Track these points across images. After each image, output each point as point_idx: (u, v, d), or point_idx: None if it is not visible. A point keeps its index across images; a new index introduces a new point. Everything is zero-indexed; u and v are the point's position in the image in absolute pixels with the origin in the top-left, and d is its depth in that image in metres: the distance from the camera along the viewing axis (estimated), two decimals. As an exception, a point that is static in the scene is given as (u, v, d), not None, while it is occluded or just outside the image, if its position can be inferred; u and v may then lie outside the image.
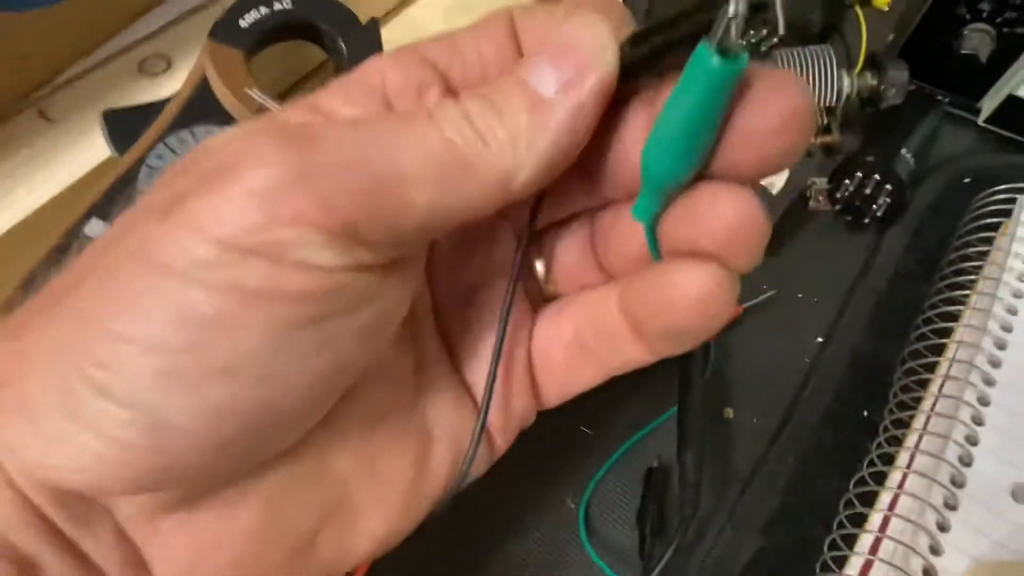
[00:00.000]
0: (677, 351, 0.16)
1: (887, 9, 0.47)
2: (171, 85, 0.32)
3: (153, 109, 0.27)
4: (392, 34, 0.39)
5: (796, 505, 0.29)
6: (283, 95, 0.36)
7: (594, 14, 0.13)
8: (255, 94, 0.29)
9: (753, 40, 0.11)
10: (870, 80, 0.38)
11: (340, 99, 0.14)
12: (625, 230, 0.16)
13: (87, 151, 0.29)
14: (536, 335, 0.18)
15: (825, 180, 0.37)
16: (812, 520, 0.28)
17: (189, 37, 0.34)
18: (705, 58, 0.11)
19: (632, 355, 0.16)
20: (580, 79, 0.13)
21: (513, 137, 0.13)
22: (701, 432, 0.22)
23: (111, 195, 0.24)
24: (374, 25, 0.34)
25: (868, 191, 0.36)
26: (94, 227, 0.24)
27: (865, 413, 0.31)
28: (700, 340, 0.15)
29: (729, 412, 0.33)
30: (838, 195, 0.37)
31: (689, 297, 0.14)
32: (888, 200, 0.36)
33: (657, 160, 0.13)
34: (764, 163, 0.13)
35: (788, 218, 0.38)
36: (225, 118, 0.28)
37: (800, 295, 0.36)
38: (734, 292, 0.14)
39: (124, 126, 0.27)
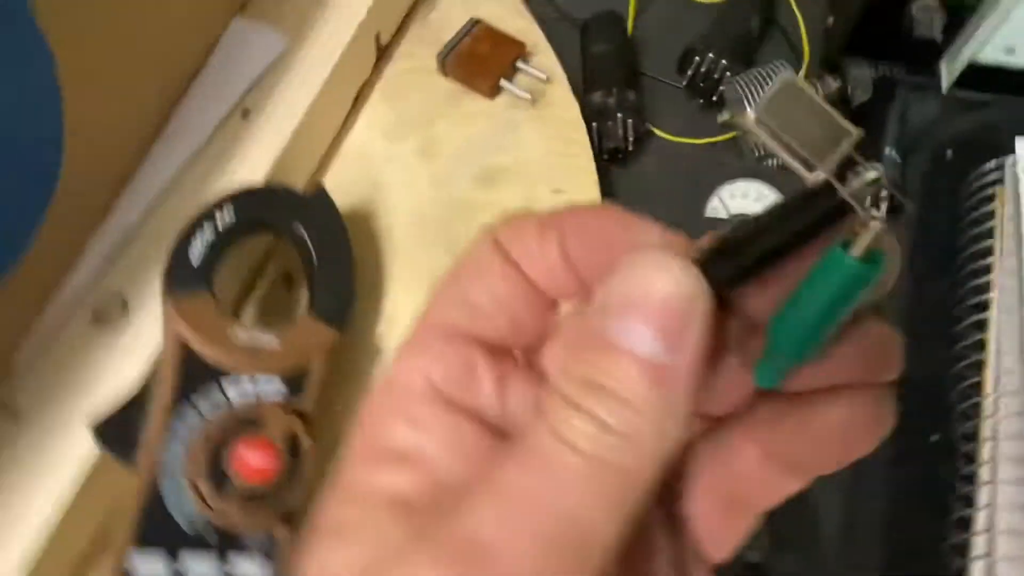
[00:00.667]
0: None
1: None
2: (135, 332, 0.29)
3: (139, 403, 0.25)
4: (339, 177, 0.37)
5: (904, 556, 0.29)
6: (246, 286, 0.33)
7: (664, 256, 0.12)
8: (240, 332, 0.26)
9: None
10: (833, 84, 0.37)
11: (401, 428, 0.13)
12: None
13: (68, 449, 0.26)
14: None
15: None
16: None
17: (133, 263, 0.30)
18: (843, 262, 0.11)
19: (789, 490, 0.15)
20: (683, 326, 0.12)
21: (653, 420, 0.12)
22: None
23: (145, 519, 0.22)
24: (321, 193, 0.31)
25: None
26: (141, 563, 0.21)
27: (935, 438, 0.31)
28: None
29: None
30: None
31: (845, 425, 0.13)
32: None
33: (791, 334, 0.12)
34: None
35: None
36: (217, 373, 0.25)
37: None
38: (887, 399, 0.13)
39: (118, 430, 0.24)
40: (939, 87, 0.38)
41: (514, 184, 0.36)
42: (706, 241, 0.13)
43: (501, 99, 0.38)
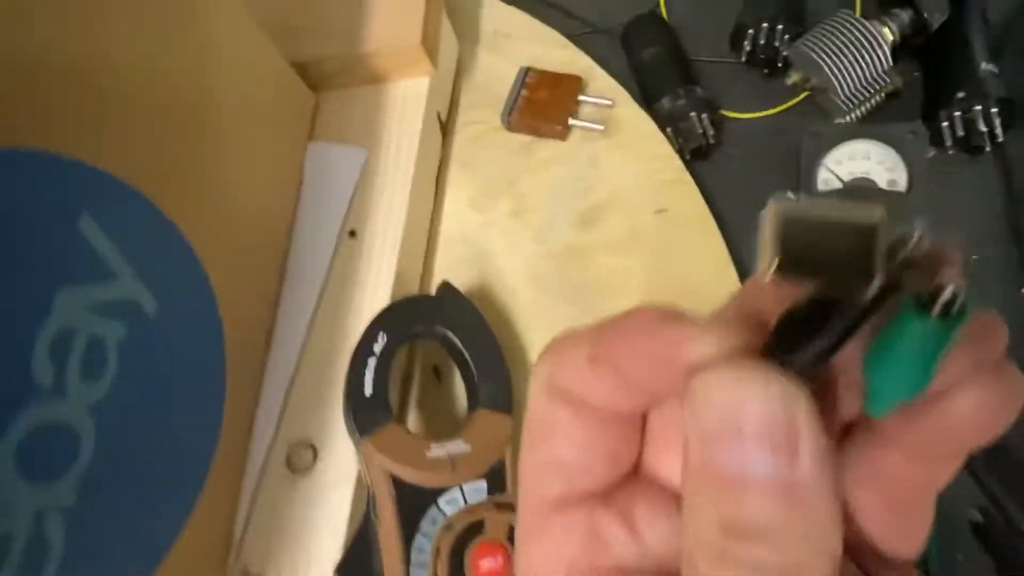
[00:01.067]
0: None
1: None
2: (328, 476, 0.30)
3: (363, 538, 0.26)
4: (447, 261, 0.37)
5: None
6: (405, 394, 0.35)
7: (726, 370, 0.11)
8: (435, 448, 0.27)
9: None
10: (905, 18, 0.35)
11: None
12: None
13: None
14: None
15: (923, 126, 0.35)
16: None
17: (305, 407, 0.32)
18: (925, 323, 0.10)
19: (947, 473, 0.14)
20: (793, 434, 0.11)
21: (804, 541, 0.11)
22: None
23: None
24: (449, 289, 0.32)
25: (978, 122, 0.33)
26: None
27: None
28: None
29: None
30: (948, 138, 0.34)
31: (976, 411, 0.12)
32: (1001, 118, 0.33)
33: (889, 389, 0.11)
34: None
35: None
36: (429, 495, 0.26)
37: (974, 256, 0.34)
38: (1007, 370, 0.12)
39: (356, 569, 0.26)
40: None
41: (615, 216, 0.36)
42: (740, 305, 0.12)
43: (574, 137, 0.38)
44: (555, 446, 0.13)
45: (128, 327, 0.23)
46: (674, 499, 0.13)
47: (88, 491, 0.21)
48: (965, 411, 0.12)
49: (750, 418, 0.11)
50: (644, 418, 0.14)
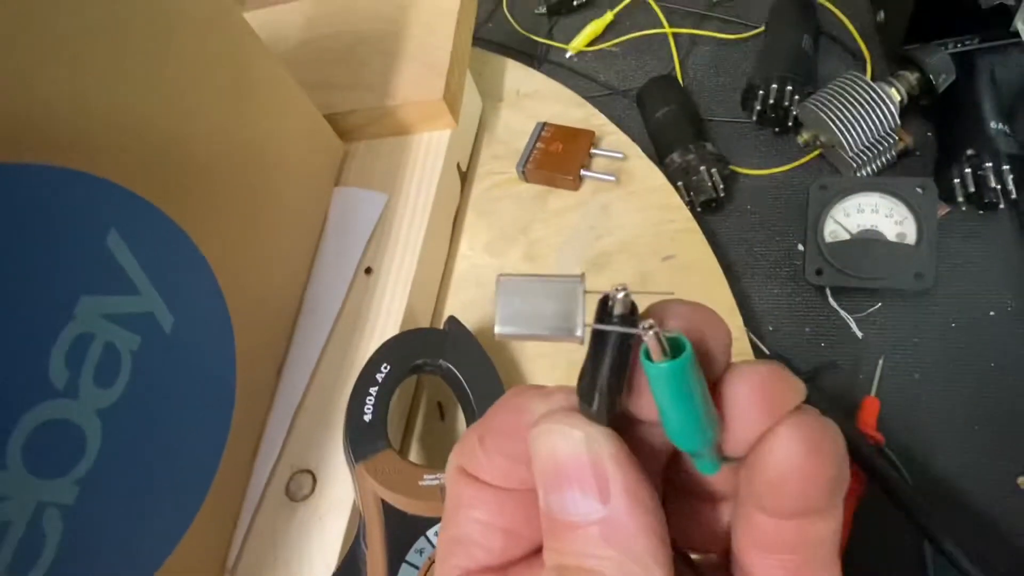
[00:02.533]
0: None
1: (847, -15, 0.46)
2: (324, 505, 0.30)
3: (351, 563, 0.26)
4: (458, 300, 0.39)
5: None
6: (407, 427, 0.35)
7: (545, 423, 0.13)
8: (428, 477, 0.27)
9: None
10: (912, 80, 0.36)
11: None
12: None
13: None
14: None
15: (932, 181, 0.35)
16: None
17: (307, 435, 0.33)
18: (653, 367, 0.12)
19: (816, 533, 0.14)
20: (600, 472, 0.12)
21: (622, 573, 0.12)
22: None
23: None
24: (456, 324, 0.33)
25: (989, 178, 0.33)
26: None
27: None
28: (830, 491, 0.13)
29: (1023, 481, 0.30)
30: (959, 194, 0.34)
31: (787, 459, 0.12)
32: (1014, 175, 0.33)
33: (678, 438, 0.13)
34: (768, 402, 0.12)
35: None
36: (419, 524, 0.26)
37: (992, 312, 0.33)
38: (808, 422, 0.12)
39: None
40: (1022, 45, 0.37)
41: (624, 263, 0.37)
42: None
43: (586, 187, 0.40)
44: (459, 523, 0.14)
45: (143, 339, 0.25)
46: None
47: (88, 493, 0.22)
48: (778, 460, 0.12)
49: (563, 463, 0.12)
50: None
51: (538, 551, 0.15)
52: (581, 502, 0.12)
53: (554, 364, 0.35)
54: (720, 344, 0.13)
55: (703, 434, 0.12)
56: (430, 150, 0.39)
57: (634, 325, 0.12)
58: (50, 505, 0.21)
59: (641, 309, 0.13)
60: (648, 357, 0.12)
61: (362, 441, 0.28)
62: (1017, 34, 0.37)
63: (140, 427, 0.25)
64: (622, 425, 0.13)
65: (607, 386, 0.12)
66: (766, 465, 0.12)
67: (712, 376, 0.13)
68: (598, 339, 0.12)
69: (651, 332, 0.11)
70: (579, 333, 0.12)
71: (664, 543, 0.12)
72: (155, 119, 0.26)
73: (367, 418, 0.29)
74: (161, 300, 0.26)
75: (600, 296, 0.12)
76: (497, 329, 0.12)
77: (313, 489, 0.31)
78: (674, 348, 0.12)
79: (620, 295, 0.12)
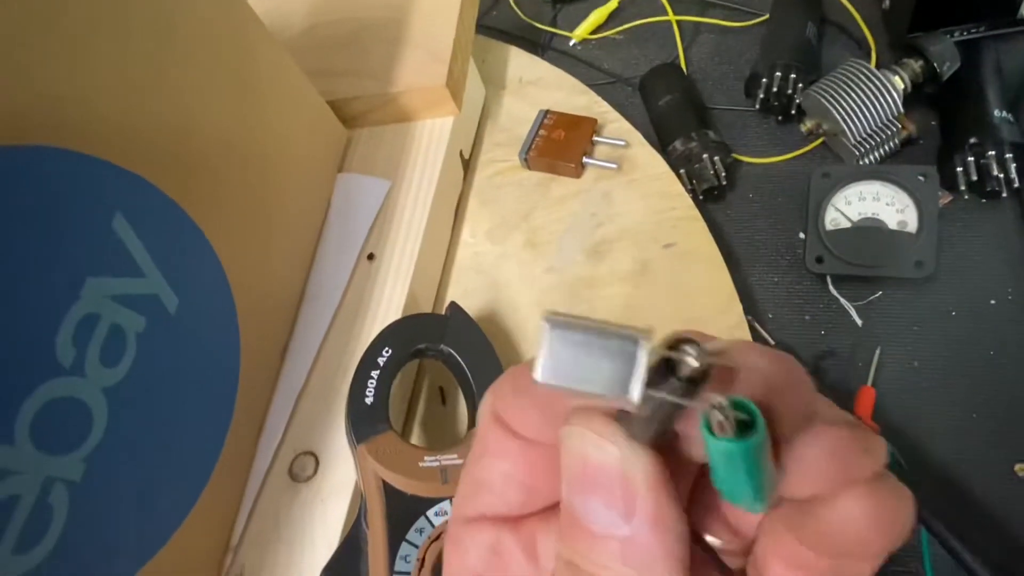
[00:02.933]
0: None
1: (853, -28, 0.45)
2: (327, 487, 0.31)
3: (352, 543, 0.27)
4: (461, 287, 0.39)
5: None
6: (409, 410, 0.36)
7: (579, 425, 0.12)
8: (428, 458, 0.28)
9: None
10: (916, 67, 0.36)
11: None
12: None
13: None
14: None
15: (934, 169, 0.35)
16: None
17: (310, 418, 0.33)
18: (715, 442, 0.10)
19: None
20: (630, 494, 0.11)
21: None
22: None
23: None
24: (456, 310, 0.33)
25: (992, 167, 0.33)
26: None
27: None
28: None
29: (1022, 468, 0.30)
30: (961, 183, 0.34)
31: (844, 524, 0.12)
32: (1016, 164, 0.33)
33: (729, 497, 0.12)
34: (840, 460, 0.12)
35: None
36: (419, 504, 0.27)
37: (993, 301, 0.33)
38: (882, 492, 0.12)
39: (343, 573, 0.26)
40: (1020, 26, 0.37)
41: (625, 250, 0.37)
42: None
43: (588, 175, 0.40)
44: (483, 468, 0.14)
45: (148, 320, 0.25)
46: None
47: (95, 469, 0.23)
48: (841, 520, 0.12)
49: (591, 471, 0.12)
50: None
51: (554, 507, 0.15)
52: (604, 513, 0.12)
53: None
54: (796, 408, 0.12)
55: (757, 500, 0.11)
56: (433, 137, 0.39)
57: (695, 394, 0.10)
58: (58, 481, 0.22)
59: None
60: (709, 428, 0.10)
61: (364, 423, 0.29)
62: (1023, 21, 0.37)
63: (145, 406, 0.25)
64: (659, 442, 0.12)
65: (656, 423, 0.11)
66: (825, 518, 0.12)
67: (780, 433, 0.12)
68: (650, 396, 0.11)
69: (718, 415, 0.10)
70: (636, 400, 0.10)
71: (685, 570, 0.12)
72: (161, 105, 0.27)
73: (369, 400, 0.29)
74: (166, 283, 0.26)
75: (658, 356, 0.10)
76: (539, 378, 0.11)
77: (316, 471, 0.32)
78: (742, 420, 0.10)
79: (689, 359, 0.10)
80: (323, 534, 0.30)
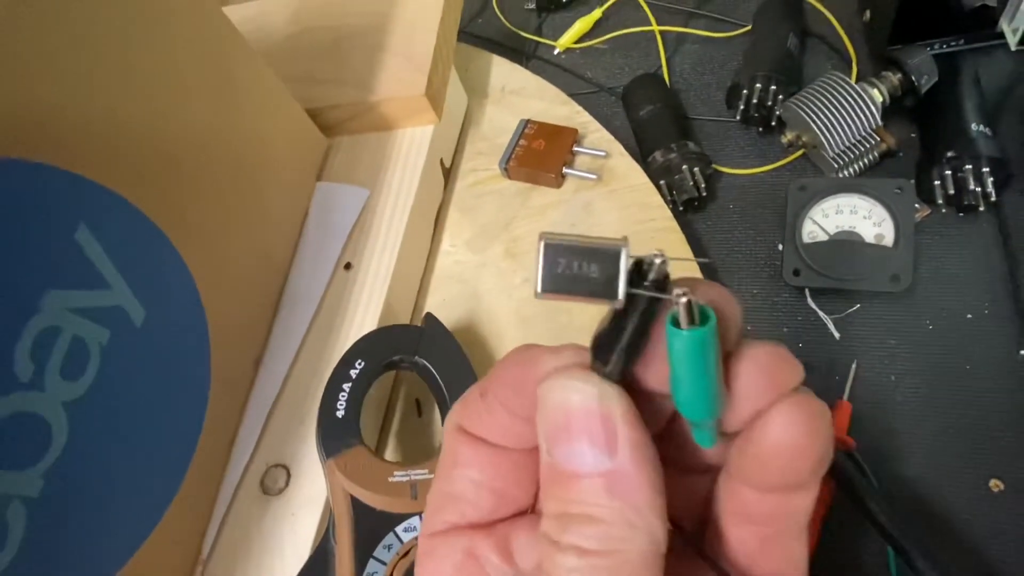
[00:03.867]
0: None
1: (835, -16, 0.45)
2: (298, 500, 0.31)
3: (320, 558, 0.26)
4: (439, 296, 0.39)
5: None
6: (383, 423, 0.35)
7: (558, 377, 0.13)
8: (398, 473, 0.28)
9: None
10: (894, 78, 0.36)
11: None
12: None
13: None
14: None
15: (911, 183, 0.35)
16: None
17: (283, 430, 0.33)
18: (679, 335, 0.12)
19: (793, 506, 0.15)
20: (610, 427, 0.13)
21: (624, 524, 0.12)
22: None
23: None
24: (432, 321, 0.33)
25: (968, 180, 0.33)
26: None
27: None
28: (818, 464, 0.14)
29: (996, 484, 0.30)
30: (939, 196, 0.34)
31: (780, 439, 0.13)
32: (993, 178, 0.33)
33: (688, 407, 0.13)
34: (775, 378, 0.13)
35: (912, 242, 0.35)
36: (388, 520, 0.27)
37: (969, 315, 0.33)
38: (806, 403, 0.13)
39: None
40: (1007, 47, 0.37)
41: (603, 261, 0.37)
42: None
43: (568, 185, 0.40)
44: (453, 481, 0.15)
45: (112, 333, 0.25)
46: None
47: (54, 485, 0.23)
48: (774, 436, 0.13)
49: (574, 415, 0.13)
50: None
51: (523, 513, 0.16)
52: (588, 454, 0.12)
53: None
54: (735, 322, 0.13)
55: (712, 405, 0.13)
56: (413, 145, 0.39)
57: (665, 292, 0.12)
58: (14, 498, 0.21)
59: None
60: (675, 324, 0.12)
61: (333, 437, 0.28)
62: (1001, 35, 0.37)
63: (109, 420, 0.25)
64: (628, 391, 0.13)
65: (626, 347, 0.13)
66: (762, 439, 0.13)
67: (724, 350, 0.13)
68: (629, 297, 0.12)
69: (684, 300, 0.12)
70: (620, 297, 0.12)
71: (662, 496, 0.13)
72: (131, 113, 0.26)
73: (339, 414, 0.29)
74: (132, 294, 0.26)
75: (633, 260, 0.12)
76: (539, 289, 0.12)
77: (287, 483, 0.31)
78: (700, 318, 0.12)
79: (658, 261, 0.12)
80: (293, 547, 0.30)
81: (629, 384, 0.13)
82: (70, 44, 0.24)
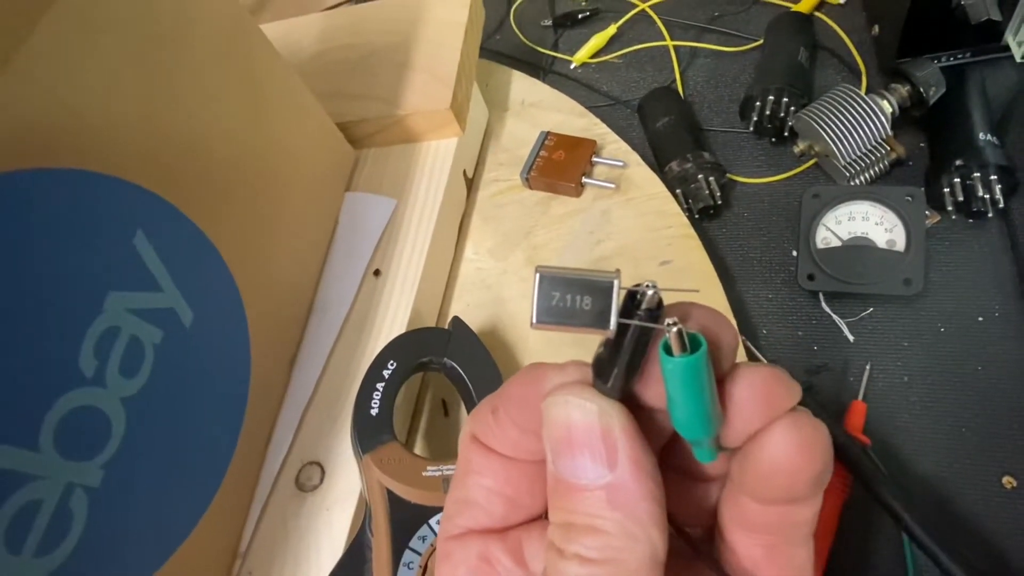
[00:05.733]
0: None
1: (842, 1, 0.47)
2: (332, 496, 0.32)
3: (356, 551, 0.28)
4: (464, 302, 0.40)
5: None
6: (412, 421, 0.37)
7: (560, 394, 0.14)
8: (431, 468, 0.29)
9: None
10: (903, 92, 0.37)
11: None
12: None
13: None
14: None
15: (921, 190, 0.36)
16: None
17: (318, 429, 0.34)
18: (670, 361, 0.13)
19: (804, 519, 0.15)
20: (611, 442, 0.13)
21: (624, 534, 0.13)
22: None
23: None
24: (459, 324, 0.34)
25: (977, 188, 0.35)
26: None
27: None
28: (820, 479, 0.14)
29: (1009, 481, 0.31)
30: (948, 203, 0.35)
31: (776, 457, 0.14)
32: (1001, 185, 0.34)
33: (684, 427, 0.14)
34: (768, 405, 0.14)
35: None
36: (423, 512, 0.28)
37: (980, 318, 0.34)
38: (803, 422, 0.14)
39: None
40: (1012, 59, 0.38)
41: (622, 267, 0.38)
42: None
43: (587, 194, 0.41)
44: (468, 488, 0.16)
45: (165, 333, 0.26)
46: None
47: (113, 476, 0.24)
48: (770, 455, 0.14)
49: (576, 430, 0.13)
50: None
51: (535, 519, 0.16)
52: (590, 468, 0.13)
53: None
54: (729, 346, 0.14)
55: (707, 426, 0.13)
56: (437, 157, 0.41)
57: (658, 320, 0.13)
58: (78, 486, 0.23)
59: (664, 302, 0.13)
60: (667, 351, 0.13)
61: (369, 433, 0.30)
62: (1007, 48, 0.38)
63: (160, 416, 0.26)
64: (629, 407, 0.14)
65: (624, 368, 0.13)
66: (759, 458, 0.14)
67: (719, 374, 0.14)
68: (622, 325, 0.13)
69: (675, 329, 0.12)
70: (612, 328, 0.13)
71: (662, 508, 0.13)
72: (178, 128, 0.28)
73: (374, 412, 0.30)
74: (182, 297, 0.27)
75: (626, 291, 0.13)
76: (534, 320, 0.13)
77: (322, 480, 0.33)
78: (691, 345, 0.13)
79: (649, 292, 0.13)
80: (328, 542, 0.31)
81: (630, 400, 0.14)
82: (123, 62, 0.25)
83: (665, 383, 0.13)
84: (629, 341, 0.13)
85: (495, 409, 0.15)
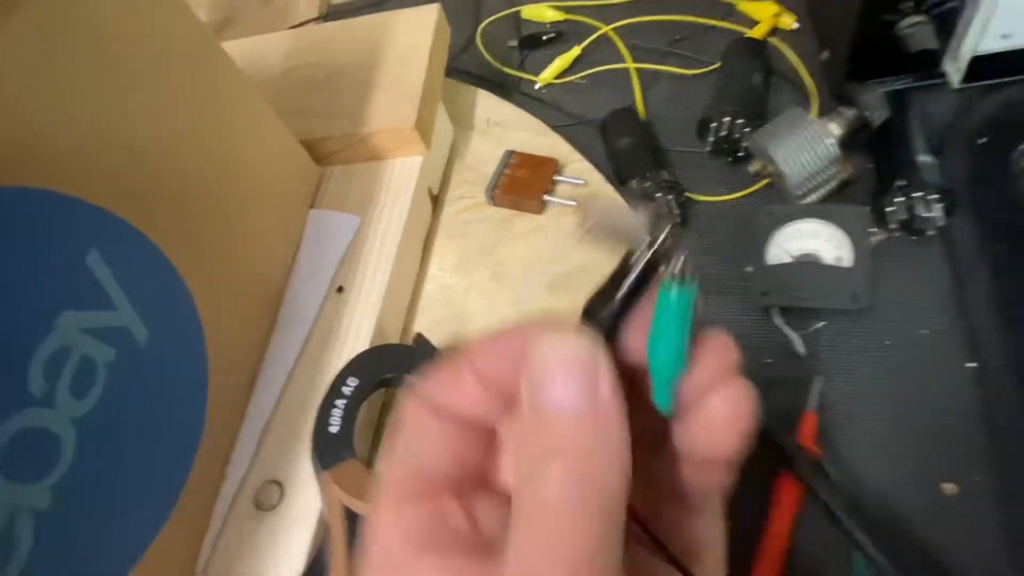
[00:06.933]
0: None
1: (795, 27, 0.49)
2: (291, 515, 0.32)
3: (316, 573, 0.27)
4: (428, 318, 0.40)
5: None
6: (375, 440, 0.37)
7: (552, 332, 0.15)
8: (389, 487, 0.29)
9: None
10: (849, 115, 0.39)
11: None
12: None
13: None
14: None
15: (867, 209, 0.37)
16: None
17: (277, 447, 0.34)
18: (671, 294, 0.15)
19: (720, 480, 0.18)
20: (594, 373, 0.14)
21: (605, 454, 0.14)
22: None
23: None
24: (422, 341, 0.34)
25: (918, 207, 0.36)
26: None
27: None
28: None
29: (952, 487, 0.32)
30: (892, 222, 0.37)
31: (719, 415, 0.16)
32: (942, 205, 0.36)
33: (663, 361, 0.16)
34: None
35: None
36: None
37: (924, 331, 0.36)
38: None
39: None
40: (949, 85, 0.40)
41: (584, 283, 0.39)
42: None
43: (549, 212, 0.42)
44: (414, 443, 0.16)
45: (118, 352, 0.26)
46: (510, 501, 0.15)
47: (61, 498, 0.24)
48: (717, 411, 0.16)
49: (564, 362, 0.15)
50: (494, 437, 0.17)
51: (482, 484, 0.17)
52: (578, 396, 0.14)
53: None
54: (700, 308, 0.16)
55: (680, 360, 0.15)
56: (403, 175, 0.41)
57: (671, 252, 0.15)
58: (24, 510, 0.22)
59: None
60: (666, 290, 0.15)
61: (329, 451, 0.30)
62: (944, 74, 0.40)
63: (112, 436, 0.26)
64: None
65: (618, 306, 0.15)
66: (710, 405, 0.16)
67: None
68: (622, 269, 0.15)
69: (683, 256, 0.15)
70: (637, 259, 0.15)
71: (630, 436, 0.15)
72: (135, 146, 0.28)
73: (333, 429, 0.30)
74: (136, 315, 0.27)
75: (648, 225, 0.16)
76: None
77: (281, 499, 0.32)
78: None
79: (665, 231, 0.15)
80: (287, 562, 0.31)
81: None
82: (78, 78, 0.25)
83: (656, 318, 0.15)
84: (630, 281, 0.15)
85: (455, 366, 0.16)
